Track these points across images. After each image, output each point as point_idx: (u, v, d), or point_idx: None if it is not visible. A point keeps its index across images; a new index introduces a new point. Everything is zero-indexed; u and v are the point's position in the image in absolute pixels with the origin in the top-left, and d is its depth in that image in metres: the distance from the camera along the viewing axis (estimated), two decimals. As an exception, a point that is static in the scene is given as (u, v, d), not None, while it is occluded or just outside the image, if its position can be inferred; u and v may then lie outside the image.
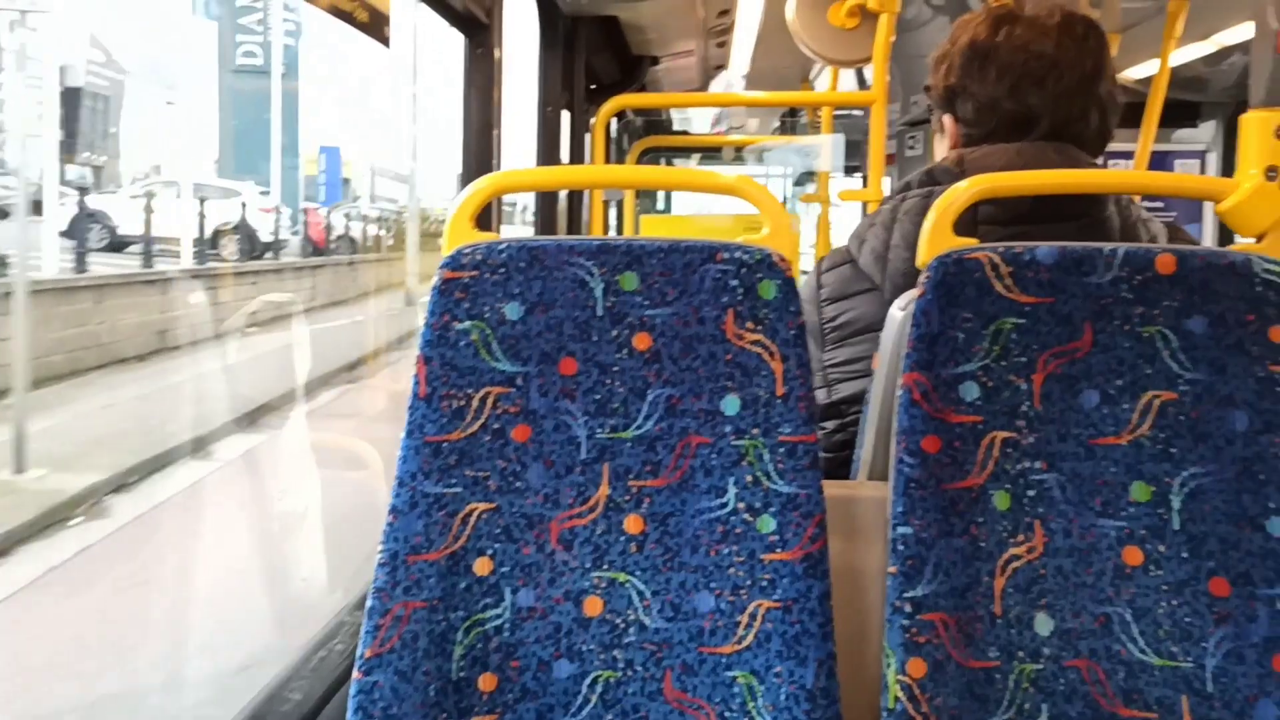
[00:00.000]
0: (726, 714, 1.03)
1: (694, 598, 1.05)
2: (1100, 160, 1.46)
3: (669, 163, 7.42)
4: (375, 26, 1.47)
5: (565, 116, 3.12)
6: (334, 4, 1.33)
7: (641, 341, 1.07)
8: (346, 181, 38.01)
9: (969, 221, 1.21)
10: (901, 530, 1.04)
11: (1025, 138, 1.39)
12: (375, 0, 1.47)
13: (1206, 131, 4.17)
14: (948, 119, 1.47)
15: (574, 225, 3.35)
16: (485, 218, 2.05)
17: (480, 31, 2.07)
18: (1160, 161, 4.05)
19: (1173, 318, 1.05)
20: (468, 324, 1.07)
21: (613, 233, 4.80)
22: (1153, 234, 1.38)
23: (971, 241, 1.09)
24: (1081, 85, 1.38)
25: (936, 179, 1.39)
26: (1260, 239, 1.14)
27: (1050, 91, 1.37)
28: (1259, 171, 1.13)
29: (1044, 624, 1.05)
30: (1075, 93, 1.38)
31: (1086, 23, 1.40)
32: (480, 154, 2.08)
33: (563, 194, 3.21)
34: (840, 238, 1.67)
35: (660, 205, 7.41)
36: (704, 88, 4.91)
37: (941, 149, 1.50)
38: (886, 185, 2.90)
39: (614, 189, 4.33)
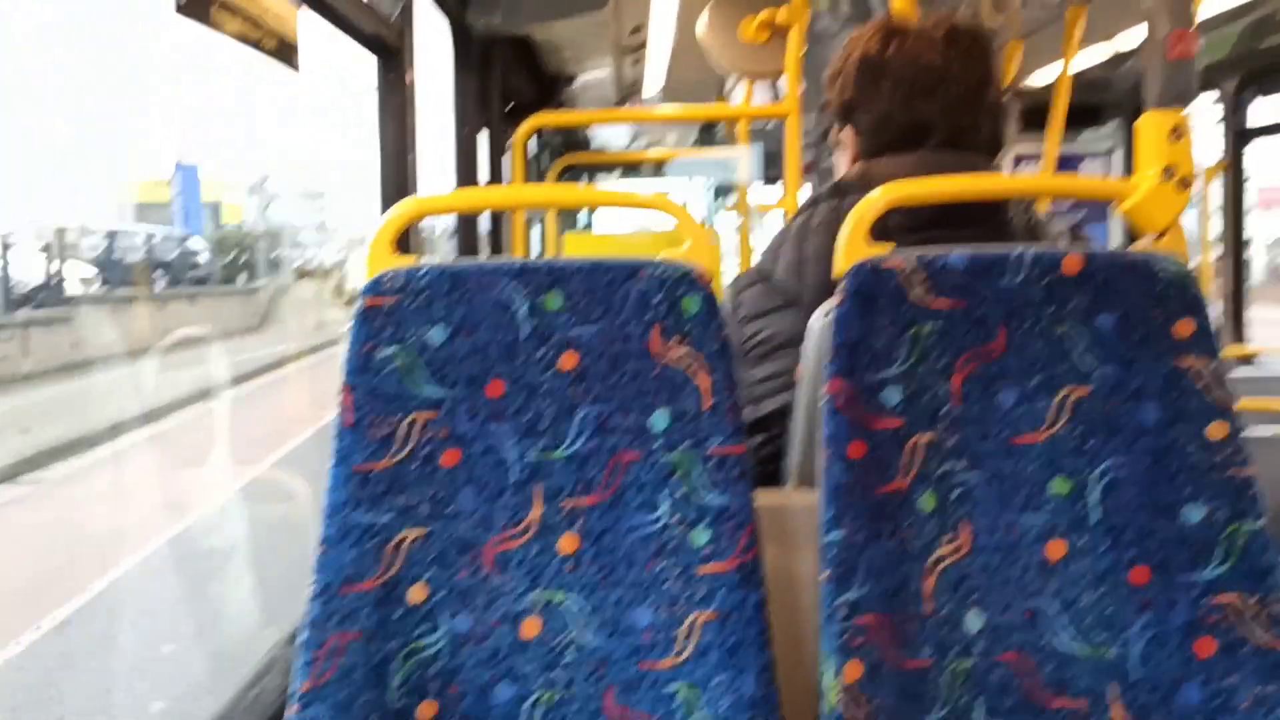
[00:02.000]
0: None
1: (631, 613, 1.06)
2: (1006, 164, 1.50)
3: (590, 179, 7.44)
4: (284, 54, 1.45)
5: (483, 137, 3.12)
6: (241, 32, 1.31)
7: (568, 361, 1.07)
8: (214, 206, 31.02)
9: (879, 230, 1.23)
10: (832, 536, 1.05)
11: (921, 147, 1.43)
12: (283, 28, 1.45)
13: (1109, 132, 4.29)
14: (848, 132, 1.50)
15: (496, 246, 3.35)
16: (404, 244, 2.04)
17: (391, 55, 2.06)
18: (1067, 163, 4.16)
19: (1081, 316, 1.08)
20: (391, 350, 1.06)
21: (535, 252, 4.80)
22: (1053, 235, 1.43)
23: (887, 248, 1.12)
24: (970, 95, 1.42)
25: (844, 191, 1.42)
26: (1160, 237, 1.17)
27: (940, 102, 1.41)
28: (1156, 172, 1.17)
29: (974, 620, 1.07)
30: (965, 102, 1.42)
31: (972, 34, 1.45)
32: (397, 178, 2.07)
33: (484, 215, 3.20)
34: (762, 247, 1.70)
35: (583, 222, 7.42)
36: (621, 104, 4.94)
37: (843, 161, 1.53)
38: (806, 193, 2.94)
39: (536, 208, 4.33)
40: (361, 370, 1.06)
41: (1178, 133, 1.16)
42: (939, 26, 1.44)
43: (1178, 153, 1.16)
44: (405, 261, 1.09)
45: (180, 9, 1.17)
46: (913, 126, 1.42)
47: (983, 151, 1.45)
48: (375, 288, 1.07)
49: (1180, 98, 1.17)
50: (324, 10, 1.71)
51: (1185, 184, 1.16)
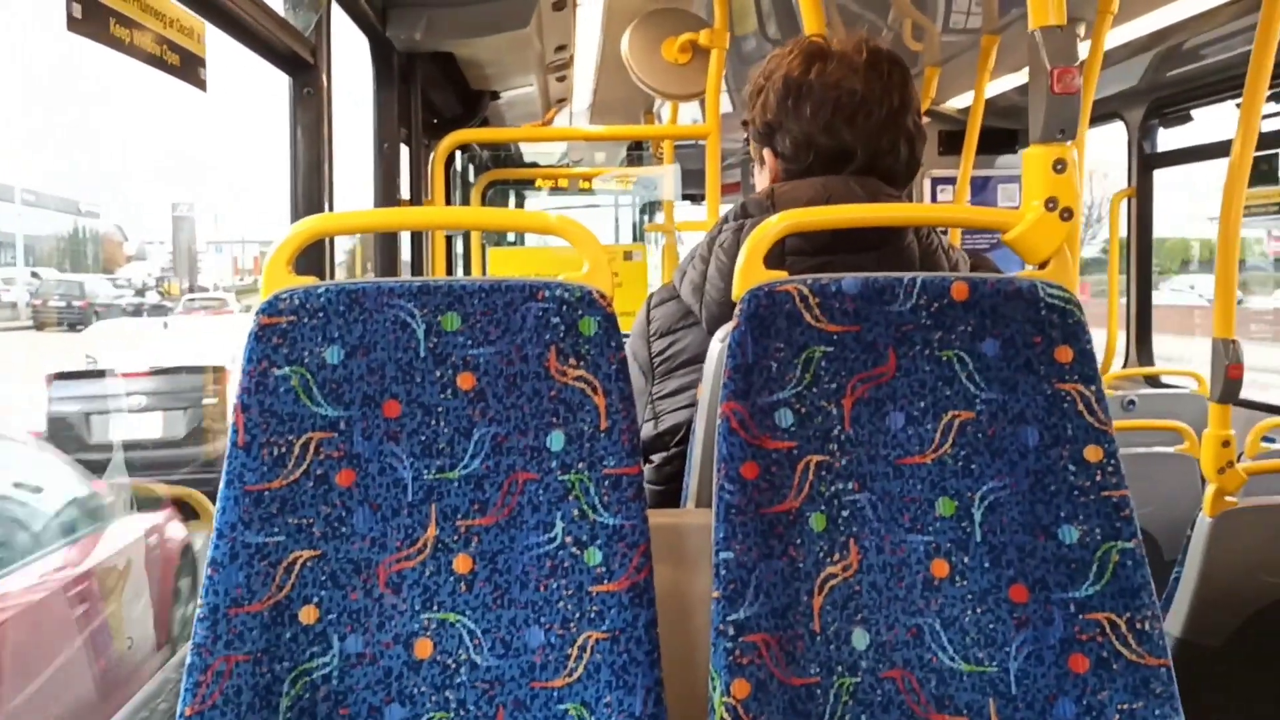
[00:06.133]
0: None
1: (524, 633, 1.06)
2: (926, 187, 1.53)
3: (518, 194, 7.44)
4: (189, 70, 1.44)
5: (405, 152, 3.10)
6: (139, 47, 1.30)
7: (465, 381, 1.08)
8: None
9: (778, 254, 1.25)
10: (724, 555, 1.07)
11: (841, 171, 1.44)
12: (188, 43, 1.43)
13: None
14: (767, 153, 1.51)
15: (417, 262, 3.33)
16: (318, 261, 2.02)
17: (305, 71, 2.05)
18: (983, 185, 4.26)
19: (967, 341, 1.12)
20: (287, 369, 1.06)
21: (459, 268, 4.78)
22: (954, 261, 1.45)
23: (782, 274, 1.14)
24: (890, 119, 1.44)
25: (749, 212, 1.43)
26: (1043, 265, 1.21)
27: (861, 127, 1.42)
28: (1040, 203, 1.21)
29: (861, 638, 1.09)
30: (885, 127, 1.43)
31: (891, 59, 1.47)
32: (309, 194, 2.06)
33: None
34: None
35: (511, 237, 7.41)
36: (548, 120, 4.95)
37: (762, 181, 1.55)
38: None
39: (443, 229, 4.31)
40: (255, 390, 1.05)
41: (1061, 165, 1.20)
42: (860, 50, 1.45)
43: (1060, 185, 1.20)
44: (303, 281, 1.09)
45: (72, 25, 1.16)
46: (833, 151, 1.43)
47: (900, 177, 1.46)
48: (271, 307, 1.07)
49: (1064, 131, 1.20)
50: (234, 28, 1.70)
51: (1067, 215, 1.20)
